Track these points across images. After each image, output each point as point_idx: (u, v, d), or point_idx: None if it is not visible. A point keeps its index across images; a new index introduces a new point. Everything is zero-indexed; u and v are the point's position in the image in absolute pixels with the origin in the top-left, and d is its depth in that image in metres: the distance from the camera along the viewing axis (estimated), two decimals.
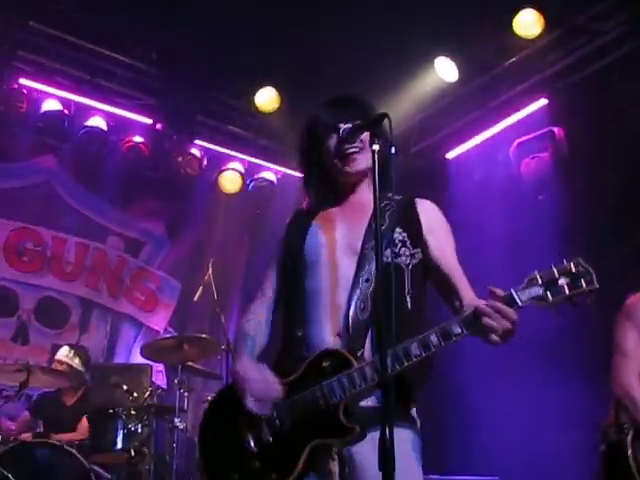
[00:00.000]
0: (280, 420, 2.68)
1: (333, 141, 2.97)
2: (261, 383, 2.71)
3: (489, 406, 6.91)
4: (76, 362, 7.12)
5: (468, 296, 2.79)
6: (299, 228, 3.03)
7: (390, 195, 2.94)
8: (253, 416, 2.69)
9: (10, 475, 5.37)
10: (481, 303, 2.56)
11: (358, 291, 2.78)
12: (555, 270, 2.58)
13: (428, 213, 3.00)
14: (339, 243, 2.92)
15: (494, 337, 2.52)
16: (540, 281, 2.58)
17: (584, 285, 2.55)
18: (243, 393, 2.71)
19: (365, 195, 2.98)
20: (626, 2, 6.76)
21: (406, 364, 2.57)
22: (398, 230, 2.88)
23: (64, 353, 7.16)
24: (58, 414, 6.85)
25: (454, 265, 2.93)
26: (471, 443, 6.88)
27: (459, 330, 2.57)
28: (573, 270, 2.57)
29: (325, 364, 2.68)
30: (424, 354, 2.58)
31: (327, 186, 3.08)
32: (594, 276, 2.56)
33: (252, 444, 2.70)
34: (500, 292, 2.57)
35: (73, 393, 7.07)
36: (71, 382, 6.92)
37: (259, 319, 2.99)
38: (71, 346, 7.37)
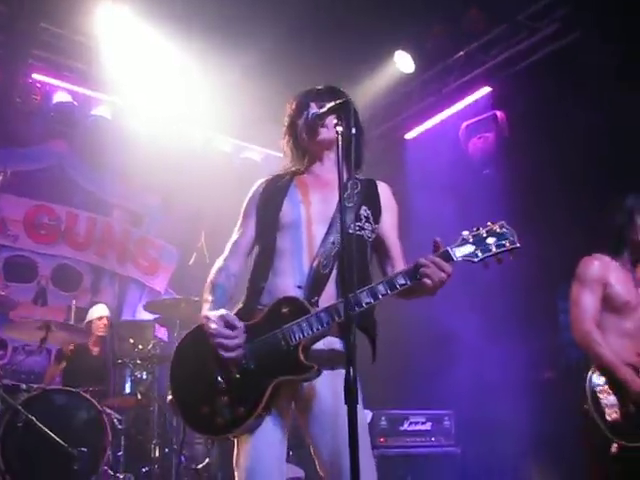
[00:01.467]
0: (245, 359, 2.67)
1: (303, 119, 3.02)
2: (221, 321, 2.68)
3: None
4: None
5: (401, 267, 2.88)
6: (279, 188, 3.03)
7: (357, 175, 2.98)
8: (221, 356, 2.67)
9: (34, 418, 5.38)
10: (421, 259, 2.64)
11: (322, 250, 2.83)
12: (484, 231, 2.69)
13: (385, 195, 3.08)
14: (313, 209, 2.95)
15: (428, 282, 2.59)
16: (471, 239, 2.67)
17: (508, 244, 2.66)
18: (213, 337, 2.66)
19: (332, 172, 3.00)
20: (559, 2, 6.77)
21: (357, 310, 2.60)
22: (364, 207, 2.93)
23: (105, 312, 7.19)
24: (87, 364, 6.84)
25: (396, 241, 3.05)
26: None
27: (403, 281, 2.64)
28: (498, 231, 2.68)
29: (284, 310, 2.71)
30: (373, 301, 2.65)
31: (300, 156, 3.11)
32: (516, 236, 2.67)
33: (221, 380, 2.68)
34: (441, 246, 2.66)
35: (99, 346, 7.08)
36: (87, 338, 6.92)
37: (231, 271, 2.94)
38: (97, 303, 7.39)
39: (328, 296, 2.76)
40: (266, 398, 2.64)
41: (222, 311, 2.73)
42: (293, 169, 3.11)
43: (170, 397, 2.79)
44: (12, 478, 5.28)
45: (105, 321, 7.14)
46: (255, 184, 3.14)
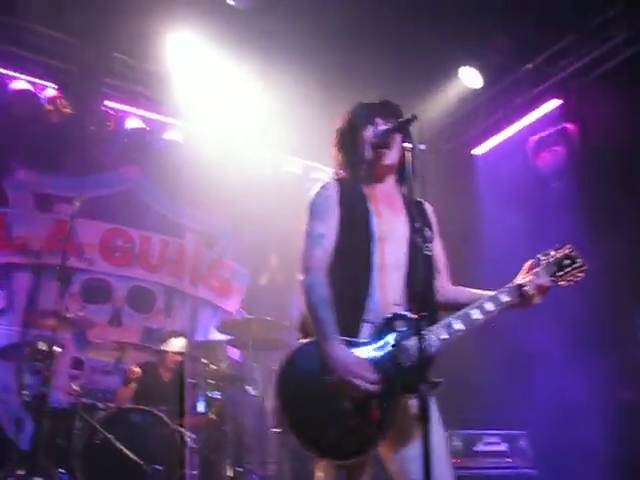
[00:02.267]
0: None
1: (369, 132, 3.04)
2: (358, 366, 2.66)
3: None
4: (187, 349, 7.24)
5: (447, 282, 3.19)
6: (358, 196, 3.01)
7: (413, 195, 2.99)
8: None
9: (111, 436, 5.49)
10: (519, 279, 2.99)
11: (410, 268, 2.92)
12: (557, 253, 3.06)
13: (431, 212, 3.21)
14: (389, 225, 2.98)
15: (533, 301, 2.96)
16: (553, 261, 3.04)
17: (578, 266, 3.04)
18: (348, 375, 2.62)
19: (391, 188, 3.09)
20: (631, 10, 6.61)
21: (468, 328, 2.81)
22: (426, 229, 2.94)
23: (182, 346, 7.20)
24: (158, 385, 6.91)
25: (442, 256, 3.22)
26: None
27: (507, 298, 2.92)
28: (569, 253, 3.05)
29: (398, 326, 2.75)
30: (482, 318, 2.86)
31: (360, 168, 3.09)
32: (583, 260, 3.04)
33: (348, 405, 2.64)
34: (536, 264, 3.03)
35: (171, 372, 7.13)
36: (159, 361, 7.00)
37: (327, 282, 2.84)
38: (178, 335, 7.44)
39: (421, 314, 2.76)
40: (391, 418, 2.65)
41: (354, 354, 2.69)
42: (352, 178, 3.08)
43: (281, 419, 2.72)
44: None
45: (181, 358, 7.17)
46: (320, 185, 3.06)
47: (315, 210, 2.96)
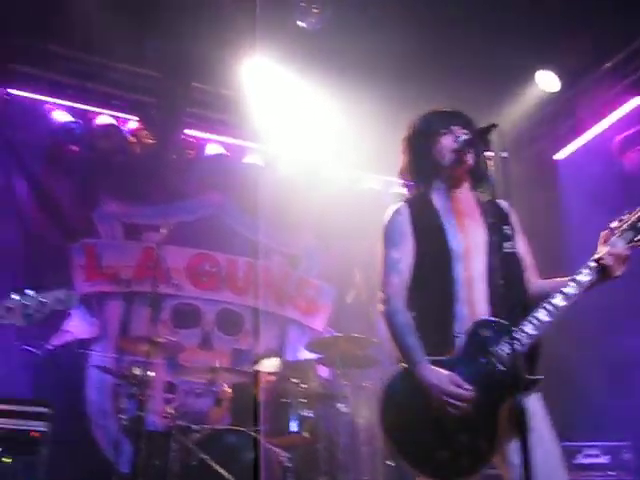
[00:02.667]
0: (472, 400, 2.66)
1: (447, 139, 3.03)
2: (452, 384, 2.66)
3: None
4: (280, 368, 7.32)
5: (535, 276, 3.08)
6: (430, 213, 3.01)
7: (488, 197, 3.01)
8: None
9: (207, 457, 5.57)
10: (596, 255, 2.85)
11: (491, 274, 2.87)
12: (631, 216, 2.88)
13: (511, 212, 3.13)
14: (470, 234, 2.97)
15: (614, 273, 2.81)
16: (626, 226, 2.87)
17: None
18: (443, 396, 2.64)
19: (466, 193, 3.08)
20: None
21: (555, 317, 2.74)
22: (505, 227, 2.91)
23: (276, 367, 7.27)
24: (248, 407, 6.95)
25: (527, 252, 3.13)
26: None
27: (587, 278, 2.81)
28: None
29: (485, 333, 2.72)
30: (567, 303, 2.77)
31: (435, 175, 3.10)
32: None
33: (452, 423, 2.64)
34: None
35: (264, 393, 7.17)
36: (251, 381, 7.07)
37: (404, 307, 2.88)
38: (270, 355, 7.52)
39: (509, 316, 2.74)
40: (500, 426, 2.63)
41: (445, 373, 2.69)
42: (422, 190, 3.10)
43: (387, 445, 2.76)
44: None
45: (274, 378, 7.24)
46: (392, 210, 3.08)
47: (388, 237, 3.02)
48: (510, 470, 2.68)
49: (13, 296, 2.86)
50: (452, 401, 2.61)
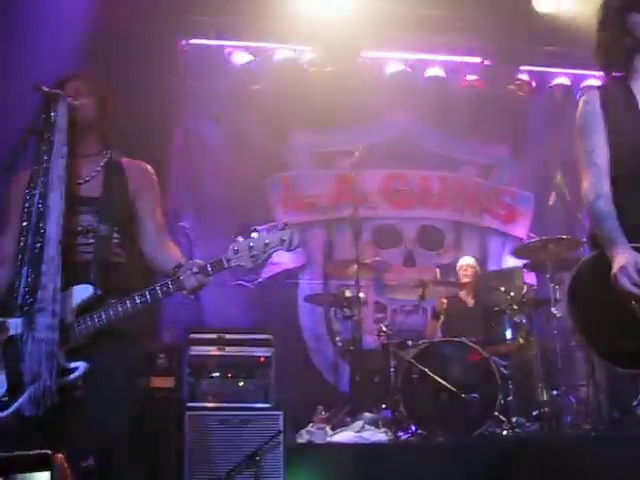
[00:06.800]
0: None
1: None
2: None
3: None
4: (477, 268, 7.48)
5: None
6: (627, 102, 2.84)
7: None
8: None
9: (427, 369, 5.81)
10: None
11: None
12: None
13: None
14: None
15: None
16: None
17: None
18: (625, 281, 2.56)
19: None
20: None
21: None
22: None
23: (469, 261, 7.50)
24: (464, 315, 7.12)
25: None
26: None
27: None
28: None
29: None
30: None
31: (621, 57, 2.88)
32: None
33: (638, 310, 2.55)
34: None
35: (472, 296, 7.31)
36: (466, 288, 7.25)
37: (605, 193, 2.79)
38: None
39: None
40: None
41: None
42: (618, 75, 2.89)
43: (577, 331, 2.73)
44: (416, 422, 5.77)
45: (466, 270, 7.35)
46: (584, 101, 2.91)
47: (580, 130, 2.88)
48: None
49: (239, 238, 2.95)
50: (629, 287, 2.54)
